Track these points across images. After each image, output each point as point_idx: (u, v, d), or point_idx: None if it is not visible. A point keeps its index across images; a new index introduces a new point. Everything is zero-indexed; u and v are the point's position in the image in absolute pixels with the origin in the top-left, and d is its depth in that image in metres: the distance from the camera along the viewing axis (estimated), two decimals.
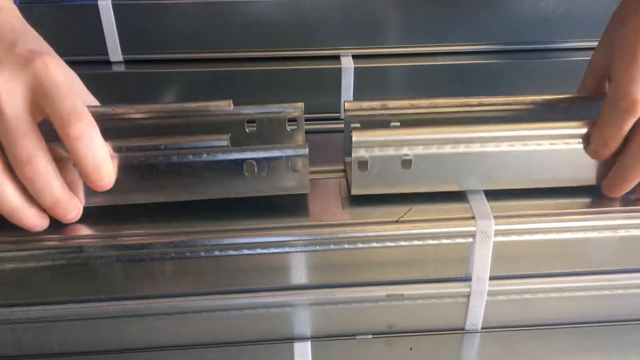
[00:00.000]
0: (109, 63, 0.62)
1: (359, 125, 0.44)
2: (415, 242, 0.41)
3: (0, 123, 0.35)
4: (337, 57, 0.62)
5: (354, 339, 0.44)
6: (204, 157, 0.39)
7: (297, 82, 0.62)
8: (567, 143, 0.41)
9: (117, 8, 0.59)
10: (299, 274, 0.41)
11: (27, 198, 0.37)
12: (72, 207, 0.38)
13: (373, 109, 0.44)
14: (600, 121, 0.40)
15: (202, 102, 0.42)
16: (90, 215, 0.40)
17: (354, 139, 0.39)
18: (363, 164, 0.40)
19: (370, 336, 0.44)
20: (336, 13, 0.60)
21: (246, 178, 0.40)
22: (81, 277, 0.40)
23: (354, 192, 0.41)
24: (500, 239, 0.41)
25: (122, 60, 0.62)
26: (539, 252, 0.42)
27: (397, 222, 0.41)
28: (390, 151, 0.40)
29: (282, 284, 0.42)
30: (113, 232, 0.40)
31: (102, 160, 0.36)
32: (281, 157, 0.39)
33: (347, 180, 0.44)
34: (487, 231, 0.41)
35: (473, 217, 0.41)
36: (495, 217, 0.41)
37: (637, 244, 0.42)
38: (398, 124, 0.44)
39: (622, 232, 0.42)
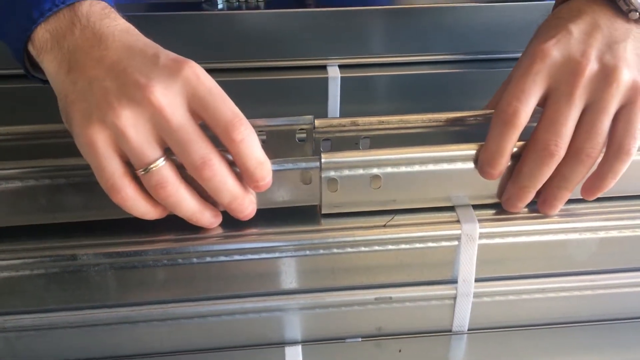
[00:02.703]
0: None
1: (329, 142, 0.44)
2: (402, 246, 0.42)
3: (170, 134, 0.35)
4: (323, 67, 0.63)
5: (344, 342, 0.45)
6: None
7: (285, 92, 0.63)
8: None
9: None
10: (289, 279, 0.42)
11: (202, 200, 0.39)
12: (247, 202, 0.39)
13: (343, 126, 0.44)
14: (487, 137, 0.40)
15: None
16: (82, 223, 0.40)
17: (323, 160, 0.39)
18: (333, 185, 0.40)
19: (360, 339, 0.45)
20: (322, 24, 0.61)
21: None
22: (74, 284, 0.40)
23: (324, 211, 0.42)
24: (484, 241, 0.42)
25: None
26: (522, 254, 0.43)
27: (384, 226, 0.41)
28: (360, 171, 0.40)
29: (272, 288, 0.42)
30: (106, 240, 0.40)
31: (263, 159, 0.37)
32: (293, 169, 0.40)
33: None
34: (472, 234, 0.42)
35: (458, 221, 0.42)
36: (479, 221, 0.42)
37: (616, 245, 0.43)
38: (368, 141, 0.45)
39: (602, 234, 0.43)
